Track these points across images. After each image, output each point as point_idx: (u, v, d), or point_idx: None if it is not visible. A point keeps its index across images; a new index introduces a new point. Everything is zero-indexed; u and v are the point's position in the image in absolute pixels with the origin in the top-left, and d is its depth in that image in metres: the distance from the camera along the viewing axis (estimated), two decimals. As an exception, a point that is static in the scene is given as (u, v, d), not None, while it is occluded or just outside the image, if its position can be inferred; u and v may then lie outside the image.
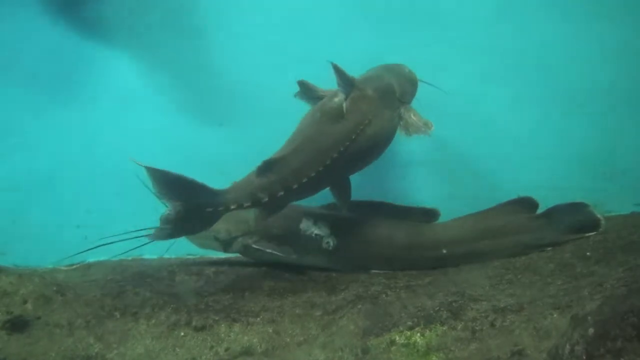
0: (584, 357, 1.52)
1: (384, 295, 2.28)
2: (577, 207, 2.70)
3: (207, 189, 2.33)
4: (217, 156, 3.09)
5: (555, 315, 1.86)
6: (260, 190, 2.38)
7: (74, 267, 2.80)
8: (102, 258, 2.84)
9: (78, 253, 2.62)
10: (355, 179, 2.93)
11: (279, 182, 2.38)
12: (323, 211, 2.76)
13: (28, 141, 2.97)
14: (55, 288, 2.36)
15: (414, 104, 2.74)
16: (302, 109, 2.69)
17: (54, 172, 2.99)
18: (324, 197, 2.85)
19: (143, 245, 2.57)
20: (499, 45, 3.00)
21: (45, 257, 2.80)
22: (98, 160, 3.02)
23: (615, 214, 2.89)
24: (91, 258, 2.84)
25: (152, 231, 2.53)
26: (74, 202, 3.01)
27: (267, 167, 2.39)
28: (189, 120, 3.07)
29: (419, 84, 2.75)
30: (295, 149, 2.43)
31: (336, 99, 2.50)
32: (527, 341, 1.80)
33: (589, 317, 1.64)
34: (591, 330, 1.55)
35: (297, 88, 2.71)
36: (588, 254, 2.44)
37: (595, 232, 2.65)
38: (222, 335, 2.16)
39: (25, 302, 2.23)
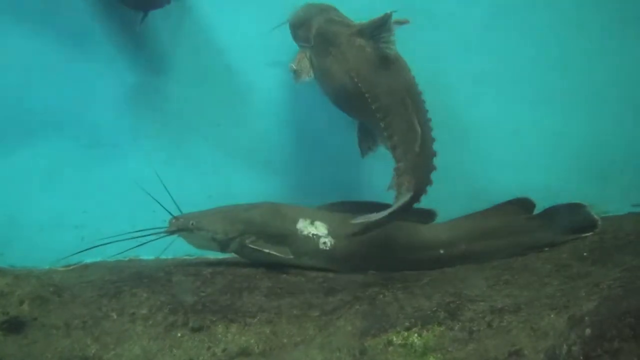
0: (581, 358, 1.52)
1: (381, 296, 2.28)
2: (574, 208, 2.71)
3: None
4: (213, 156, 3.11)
5: (552, 316, 1.86)
6: None
7: (71, 268, 2.80)
8: (99, 259, 2.84)
9: (75, 254, 2.63)
10: (352, 179, 2.95)
11: None
12: (320, 211, 2.76)
13: (25, 141, 2.96)
14: (52, 289, 2.36)
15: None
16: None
17: (50, 173, 2.98)
18: (321, 197, 2.87)
19: (141, 245, 2.58)
20: (493, 44, 3.00)
21: (42, 258, 2.79)
22: (95, 161, 3.02)
23: (612, 215, 2.90)
24: (88, 259, 2.84)
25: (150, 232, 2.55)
26: (71, 203, 3.00)
27: None
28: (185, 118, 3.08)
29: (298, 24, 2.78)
30: None
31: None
32: (525, 341, 1.80)
33: (586, 318, 1.65)
34: (588, 331, 1.56)
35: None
36: (585, 254, 2.45)
37: (592, 233, 2.66)
38: (220, 335, 2.15)
39: (21, 303, 2.22)
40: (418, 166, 2.44)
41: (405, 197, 2.40)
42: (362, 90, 2.48)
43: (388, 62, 2.49)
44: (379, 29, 2.44)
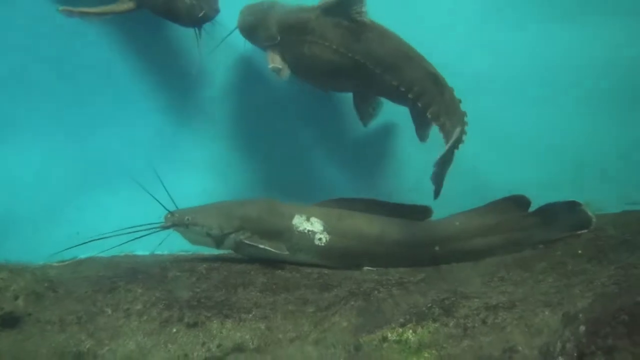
0: (575, 355, 1.53)
1: (376, 292, 2.28)
2: (569, 206, 2.71)
3: None
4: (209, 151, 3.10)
5: (546, 313, 1.87)
6: None
7: (66, 263, 2.79)
8: (93, 254, 2.83)
9: (69, 248, 2.62)
10: (348, 176, 2.95)
11: None
12: (316, 208, 2.76)
13: (19, 137, 2.94)
14: (46, 284, 2.35)
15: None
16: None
17: (45, 168, 2.97)
18: (316, 194, 2.87)
19: (135, 239, 2.58)
20: (490, 41, 3.00)
21: (36, 254, 2.78)
22: (90, 157, 3.01)
23: (607, 213, 2.91)
24: (83, 254, 2.82)
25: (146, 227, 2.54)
26: (66, 199, 2.98)
27: None
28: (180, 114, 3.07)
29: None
30: None
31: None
32: (519, 338, 1.81)
33: (580, 315, 1.65)
34: (582, 328, 1.56)
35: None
36: (580, 252, 2.46)
37: (587, 231, 2.67)
38: (214, 331, 2.15)
39: (16, 298, 2.22)
40: (450, 106, 2.57)
41: (457, 130, 2.48)
42: (360, 61, 2.56)
43: (369, 28, 2.58)
44: (348, 1, 2.52)
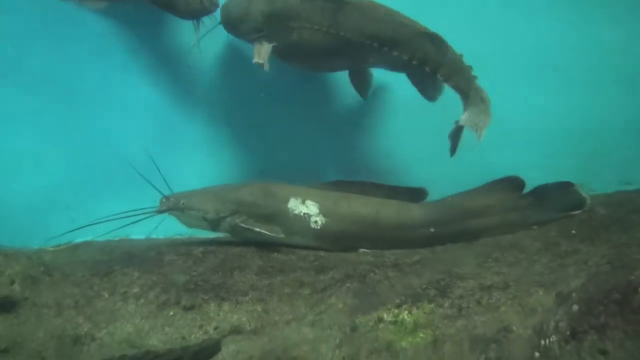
0: (568, 333, 1.54)
1: (372, 274, 2.29)
2: (563, 186, 2.73)
3: None
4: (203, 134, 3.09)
5: (540, 293, 1.88)
6: None
7: (61, 247, 2.79)
8: (89, 238, 2.83)
9: (65, 233, 2.61)
10: (343, 157, 2.94)
11: None
12: (311, 190, 2.76)
13: (14, 120, 2.92)
14: (42, 269, 2.35)
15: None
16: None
17: (40, 153, 2.95)
18: (312, 177, 2.87)
19: (131, 224, 2.58)
20: (485, 23, 2.99)
21: (31, 238, 2.77)
22: (85, 141, 2.99)
23: (601, 193, 2.93)
24: (78, 239, 2.82)
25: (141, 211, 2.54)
26: (61, 183, 2.97)
27: None
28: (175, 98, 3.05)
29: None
30: None
31: None
32: (513, 318, 1.82)
33: (574, 294, 1.67)
34: (575, 307, 1.58)
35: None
36: (573, 232, 2.47)
37: (580, 211, 2.68)
38: (212, 314, 2.16)
39: (12, 282, 2.22)
40: (457, 63, 2.60)
41: (475, 85, 2.57)
42: (353, 39, 2.56)
43: (356, 5, 2.57)
44: None
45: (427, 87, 2.75)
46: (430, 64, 2.60)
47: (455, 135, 2.64)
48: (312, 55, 2.70)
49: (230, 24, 2.75)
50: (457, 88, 2.63)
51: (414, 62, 2.61)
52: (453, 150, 2.65)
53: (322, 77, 3.06)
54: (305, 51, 2.67)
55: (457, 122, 2.62)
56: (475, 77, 2.63)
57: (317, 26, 2.58)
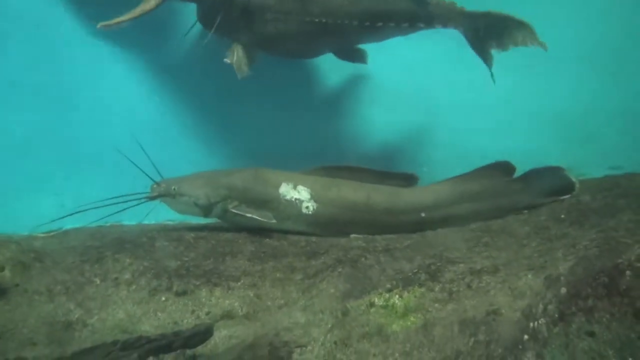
0: (557, 316, 1.56)
1: (363, 259, 2.31)
2: (552, 171, 2.75)
3: None
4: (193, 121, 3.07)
5: (529, 276, 1.90)
6: None
7: (52, 234, 2.77)
8: (79, 225, 2.82)
9: (55, 220, 2.60)
10: (334, 141, 2.93)
11: None
12: (303, 176, 2.76)
13: (3, 106, 2.88)
14: (33, 255, 2.34)
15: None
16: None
17: (30, 139, 2.93)
18: (303, 162, 2.86)
19: (123, 210, 2.57)
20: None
21: (21, 224, 2.76)
22: (75, 127, 2.96)
23: (589, 177, 2.95)
24: (68, 225, 2.81)
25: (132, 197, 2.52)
26: (51, 169, 2.95)
27: None
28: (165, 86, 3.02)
29: None
30: None
31: None
32: (502, 301, 1.84)
33: (562, 278, 1.69)
34: (564, 290, 1.60)
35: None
36: (562, 216, 2.49)
37: (569, 195, 2.70)
38: (203, 299, 2.17)
39: (2, 269, 2.21)
40: (446, 4, 2.57)
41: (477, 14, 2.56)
42: (332, 22, 2.56)
43: None
44: None
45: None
46: (422, 20, 2.58)
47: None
48: (294, 44, 2.70)
49: (208, 22, 2.73)
50: (457, 27, 2.61)
51: (405, 25, 2.59)
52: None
53: (310, 63, 3.05)
54: (286, 41, 2.67)
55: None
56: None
57: (291, 15, 2.57)
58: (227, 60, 2.64)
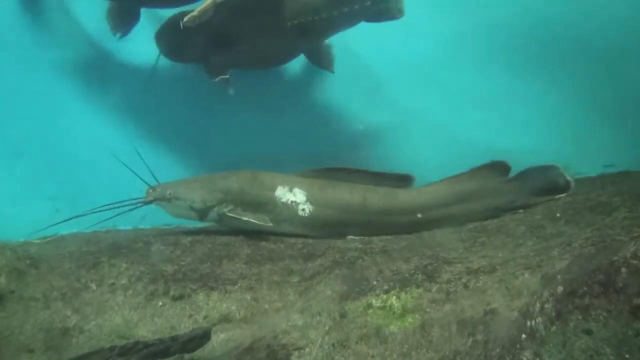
0: (554, 314, 1.57)
1: (360, 260, 2.30)
2: (547, 170, 2.75)
3: None
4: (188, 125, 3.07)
5: (526, 275, 1.91)
6: None
7: (47, 240, 2.76)
8: (75, 230, 2.81)
9: (51, 226, 2.59)
10: (330, 145, 2.93)
11: None
12: (299, 178, 2.76)
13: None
14: (28, 261, 2.33)
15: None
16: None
17: (24, 144, 2.92)
18: (298, 165, 2.87)
19: (118, 215, 2.56)
20: (467, 8, 2.98)
21: (15, 231, 2.75)
22: (69, 132, 2.96)
23: (584, 176, 2.96)
24: (64, 230, 2.80)
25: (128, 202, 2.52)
26: (45, 174, 2.94)
27: None
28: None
29: None
30: None
31: None
32: (499, 300, 1.85)
33: (559, 276, 1.69)
34: (560, 289, 1.60)
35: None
36: (558, 215, 2.50)
37: (565, 194, 2.71)
38: (201, 303, 2.16)
39: (-2, 276, 2.20)
40: None
41: None
42: (303, 22, 2.57)
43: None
44: None
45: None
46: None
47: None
48: (274, 51, 2.73)
49: (173, 54, 2.77)
50: None
51: (368, 3, 2.59)
52: None
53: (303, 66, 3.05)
54: (267, 51, 2.71)
55: None
56: None
57: (266, 26, 2.61)
58: (214, 79, 2.67)
